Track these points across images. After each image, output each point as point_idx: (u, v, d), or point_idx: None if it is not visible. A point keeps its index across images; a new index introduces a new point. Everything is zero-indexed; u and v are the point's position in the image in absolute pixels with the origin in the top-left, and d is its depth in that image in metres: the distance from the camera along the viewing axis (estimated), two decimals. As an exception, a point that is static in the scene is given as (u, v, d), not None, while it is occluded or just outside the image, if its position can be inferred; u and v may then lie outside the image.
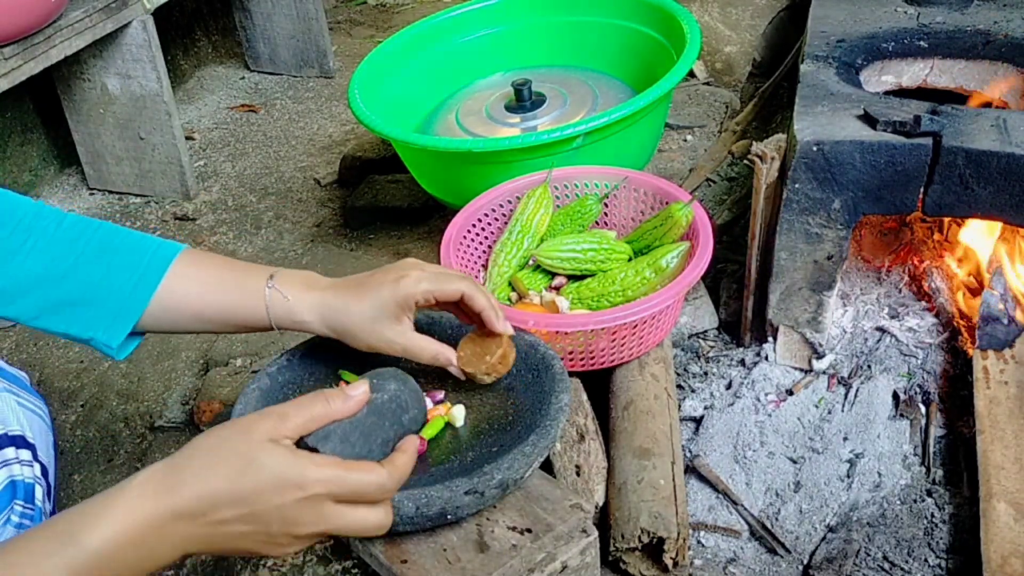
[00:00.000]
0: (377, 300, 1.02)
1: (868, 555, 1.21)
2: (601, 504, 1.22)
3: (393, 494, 0.85)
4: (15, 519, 0.93)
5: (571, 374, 1.32)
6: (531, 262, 1.52)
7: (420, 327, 1.19)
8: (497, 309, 1.07)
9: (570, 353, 1.35)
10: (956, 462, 1.30)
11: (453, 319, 1.28)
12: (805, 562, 1.23)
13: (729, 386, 1.47)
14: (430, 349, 1.06)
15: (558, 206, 1.58)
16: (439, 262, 1.42)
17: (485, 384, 1.12)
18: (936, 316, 1.48)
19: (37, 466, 0.98)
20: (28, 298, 0.98)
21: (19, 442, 0.97)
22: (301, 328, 1.05)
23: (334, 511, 0.80)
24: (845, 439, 1.35)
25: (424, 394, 1.05)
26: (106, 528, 0.72)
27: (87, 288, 0.99)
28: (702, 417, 1.42)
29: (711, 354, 1.54)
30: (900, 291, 1.53)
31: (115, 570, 0.73)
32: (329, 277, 1.07)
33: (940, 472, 1.29)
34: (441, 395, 1.15)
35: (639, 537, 1.13)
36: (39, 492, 0.97)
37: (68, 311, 1.00)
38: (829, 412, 1.39)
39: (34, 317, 1.00)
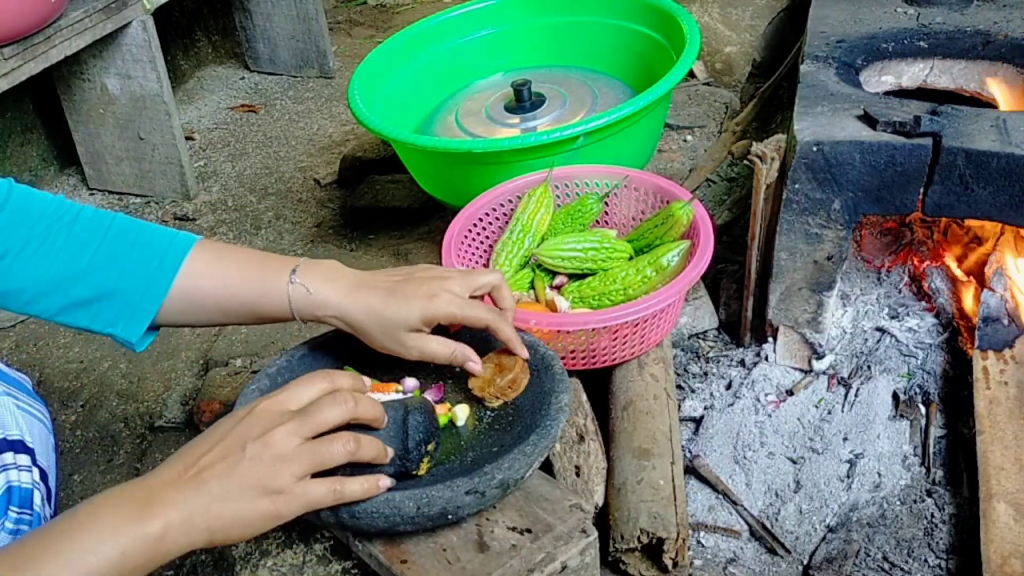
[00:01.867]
0: (404, 311, 1.03)
1: (868, 555, 1.21)
2: (601, 504, 1.22)
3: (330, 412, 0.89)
4: (10, 525, 0.93)
5: (572, 373, 1.32)
6: (532, 261, 1.52)
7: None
8: (517, 339, 1.10)
9: (572, 352, 1.35)
10: (956, 462, 1.30)
11: None
12: (805, 562, 1.23)
13: (729, 386, 1.47)
14: (444, 352, 1.08)
15: (559, 205, 1.58)
16: (440, 263, 1.42)
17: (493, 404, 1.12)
18: (936, 316, 1.48)
19: (36, 471, 0.98)
20: (50, 298, 1.01)
21: (17, 447, 0.97)
22: (322, 321, 1.07)
23: (286, 415, 0.86)
24: (845, 439, 1.35)
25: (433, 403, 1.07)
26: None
27: (105, 285, 1.01)
28: (702, 417, 1.42)
29: (711, 354, 1.54)
30: (900, 291, 1.53)
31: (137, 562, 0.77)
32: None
33: (940, 472, 1.29)
34: (440, 394, 1.15)
35: (639, 537, 1.13)
36: (37, 497, 0.96)
37: (88, 308, 1.02)
38: (829, 412, 1.39)
39: (56, 314, 1.02)
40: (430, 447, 1.00)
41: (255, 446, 0.83)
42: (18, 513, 0.94)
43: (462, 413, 1.11)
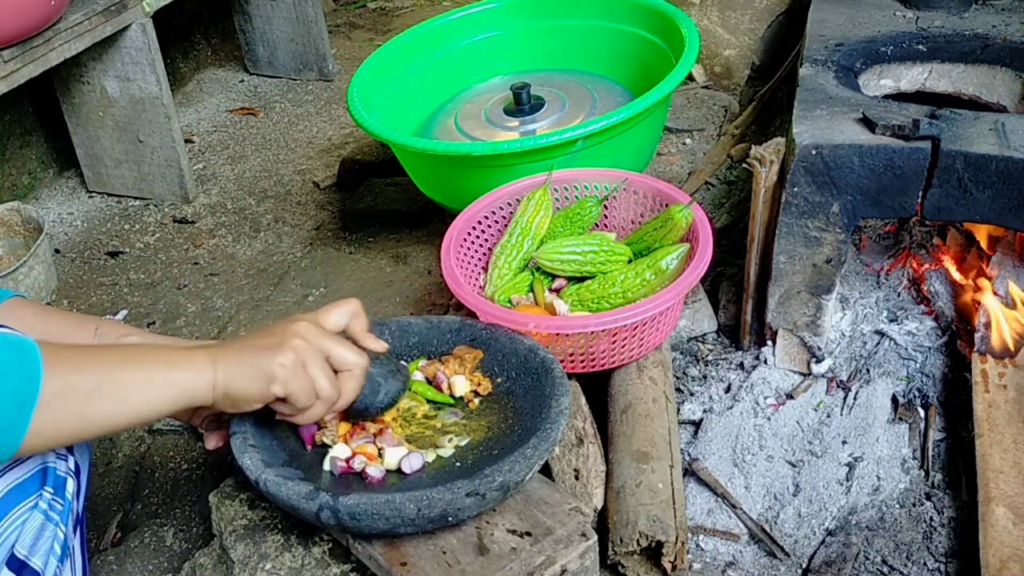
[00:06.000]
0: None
1: (867, 559, 1.21)
2: (600, 507, 1.22)
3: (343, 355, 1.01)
4: (43, 505, 0.94)
5: (571, 376, 1.32)
6: (531, 264, 1.52)
7: (420, 332, 1.22)
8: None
9: (571, 355, 1.35)
10: (955, 466, 1.30)
11: (453, 323, 1.29)
12: (804, 566, 1.23)
13: (728, 389, 1.47)
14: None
15: (558, 208, 1.58)
16: (440, 265, 1.42)
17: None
18: (935, 320, 1.48)
19: (72, 461, 0.99)
20: None
21: None
22: None
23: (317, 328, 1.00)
24: (844, 443, 1.35)
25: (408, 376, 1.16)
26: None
27: None
28: (701, 420, 1.42)
29: (710, 357, 1.54)
30: (899, 295, 1.53)
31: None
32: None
33: (939, 476, 1.29)
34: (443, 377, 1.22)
35: (638, 541, 1.13)
36: (70, 486, 0.98)
37: None
38: (828, 416, 1.39)
39: None
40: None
41: (288, 334, 0.98)
42: (51, 496, 0.95)
43: (460, 385, 1.19)
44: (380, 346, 1.11)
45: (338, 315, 1.06)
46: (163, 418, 0.95)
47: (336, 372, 1.00)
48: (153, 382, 0.91)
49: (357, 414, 1.09)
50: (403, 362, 1.23)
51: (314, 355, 0.98)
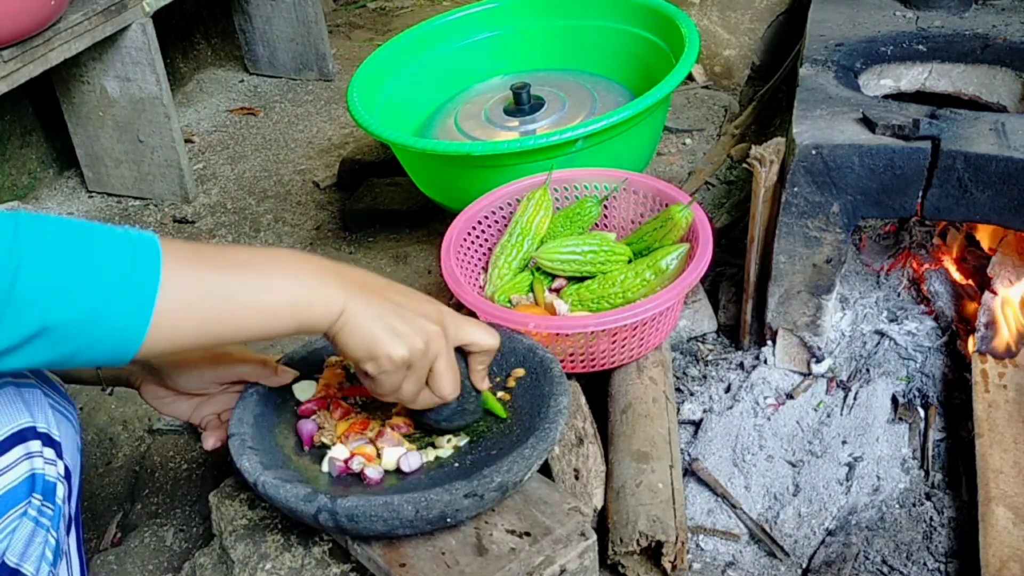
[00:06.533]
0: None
1: (867, 559, 1.21)
2: (599, 507, 1.22)
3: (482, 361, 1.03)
4: (32, 513, 0.93)
5: (570, 376, 1.32)
6: (531, 264, 1.52)
7: None
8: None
9: (571, 355, 1.35)
10: (955, 466, 1.30)
11: None
12: (804, 566, 1.23)
13: (728, 389, 1.47)
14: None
15: (558, 208, 1.58)
16: (440, 265, 1.42)
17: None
18: (935, 320, 1.48)
19: (61, 465, 0.98)
20: None
21: (44, 439, 0.97)
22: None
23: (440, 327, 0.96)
24: (844, 443, 1.35)
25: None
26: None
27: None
28: (701, 420, 1.42)
29: (710, 357, 1.53)
30: (899, 295, 1.53)
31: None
32: None
33: (939, 476, 1.29)
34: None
35: (637, 541, 1.13)
36: (60, 491, 0.96)
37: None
38: (828, 415, 1.39)
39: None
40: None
41: (407, 311, 0.93)
42: (40, 503, 0.94)
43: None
44: (483, 387, 1.08)
45: (478, 341, 1.01)
46: (280, 337, 0.90)
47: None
48: (279, 301, 0.86)
49: (428, 420, 1.07)
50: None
51: (425, 365, 0.94)
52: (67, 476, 1.00)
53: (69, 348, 0.78)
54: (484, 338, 1.02)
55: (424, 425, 1.10)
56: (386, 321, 0.91)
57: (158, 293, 0.78)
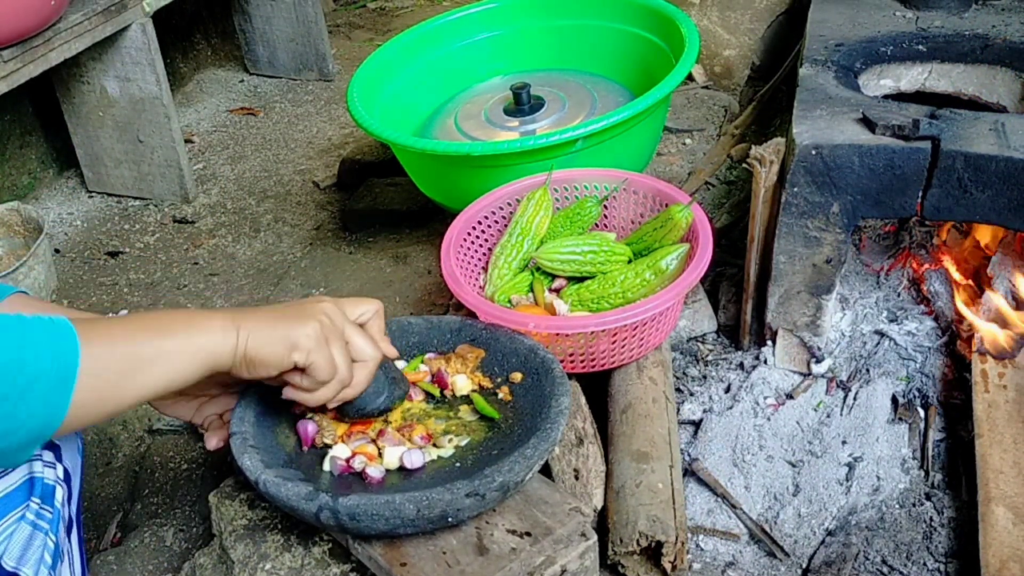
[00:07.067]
0: None
1: (867, 559, 1.21)
2: (600, 508, 1.22)
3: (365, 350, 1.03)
4: (31, 516, 0.93)
5: (570, 376, 1.32)
6: (531, 264, 1.52)
7: (420, 332, 1.22)
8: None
9: (571, 355, 1.35)
10: (955, 466, 1.30)
11: (454, 323, 1.29)
12: (804, 566, 1.23)
13: (728, 390, 1.47)
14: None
15: (558, 208, 1.58)
16: (440, 265, 1.42)
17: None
18: (935, 320, 1.48)
19: (60, 468, 0.98)
20: None
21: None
22: None
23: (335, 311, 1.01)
24: (844, 443, 1.35)
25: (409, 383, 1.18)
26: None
27: None
28: (701, 420, 1.42)
29: (710, 357, 1.54)
30: (899, 295, 1.53)
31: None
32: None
33: (939, 476, 1.29)
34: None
35: (637, 541, 1.13)
36: (59, 494, 0.97)
37: None
38: (828, 416, 1.39)
39: None
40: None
41: (302, 311, 0.99)
42: (39, 506, 0.94)
43: (462, 383, 1.19)
44: (392, 352, 1.12)
45: (362, 309, 1.08)
46: (191, 383, 0.94)
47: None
48: (182, 349, 0.91)
49: (354, 412, 1.09)
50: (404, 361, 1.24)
51: (337, 335, 0.99)
52: (66, 479, 0.99)
53: None
54: (365, 305, 1.09)
55: (358, 413, 1.10)
56: (281, 318, 0.98)
57: (77, 374, 0.82)
